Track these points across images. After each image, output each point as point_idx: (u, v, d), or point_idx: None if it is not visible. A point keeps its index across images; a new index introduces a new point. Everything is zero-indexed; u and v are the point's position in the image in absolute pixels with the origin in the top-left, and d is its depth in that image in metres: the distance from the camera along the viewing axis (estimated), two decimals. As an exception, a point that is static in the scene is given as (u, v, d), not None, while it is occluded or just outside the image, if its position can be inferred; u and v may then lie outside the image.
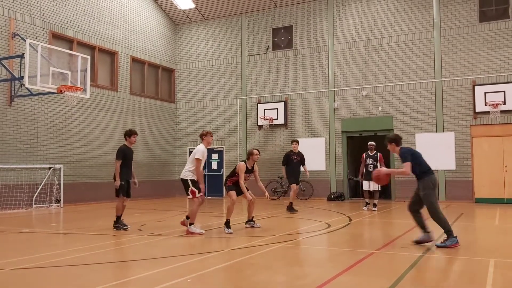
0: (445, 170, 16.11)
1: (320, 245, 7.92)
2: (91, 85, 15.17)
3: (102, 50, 17.56)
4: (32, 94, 14.08)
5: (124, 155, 9.21)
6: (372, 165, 13.07)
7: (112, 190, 9.37)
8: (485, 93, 15.52)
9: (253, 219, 9.50)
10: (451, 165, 16.05)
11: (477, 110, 15.70)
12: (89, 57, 14.58)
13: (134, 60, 19.05)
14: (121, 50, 18.32)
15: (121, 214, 9.24)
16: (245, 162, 9.10)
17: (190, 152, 20.02)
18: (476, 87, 15.75)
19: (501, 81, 15.52)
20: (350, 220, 10.89)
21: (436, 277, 5.38)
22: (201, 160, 8.56)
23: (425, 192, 7.04)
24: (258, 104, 19.29)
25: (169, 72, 21.15)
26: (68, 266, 5.97)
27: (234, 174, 9.10)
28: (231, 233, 8.53)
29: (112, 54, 18.02)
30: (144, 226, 9.78)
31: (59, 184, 15.09)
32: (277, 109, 18.83)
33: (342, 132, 17.88)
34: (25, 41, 13.18)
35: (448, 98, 16.32)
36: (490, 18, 16.01)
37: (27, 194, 14.22)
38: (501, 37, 15.76)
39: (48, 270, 5.77)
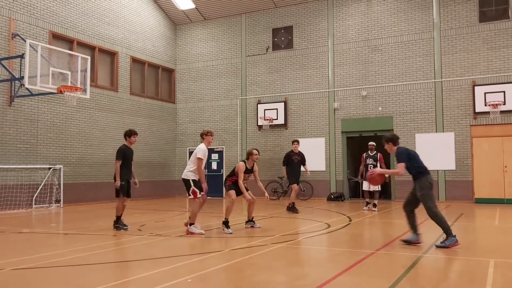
0: (445, 170, 16.12)
1: (320, 245, 7.92)
2: (91, 85, 15.17)
3: (102, 50, 17.57)
4: (32, 94, 14.09)
5: (124, 155, 9.21)
6: (372, 165, 13.08)
7: (112, 190, 9.37)
8: (485, 93, 15.53)
9: (253, 219, 9.50)
10: (451, 165, 16.05)
11: (477, 110, 15.70)
12: (89, 57, 14.59)
13: (134, 60, 19.06)
14: (121, 50, 18.32)
15: (121, 214, 9.24)
16: (245, 162, 9.11)
17: (190, 152, 20.11)
18: (476, 87, 15.76)
19: (501, 81, 15.53)
20: (350, 220, 10.89)
21: (436, 277, 5.38)
22: (202, 159, 8.57)
23: (423, 193, 7.04)
24: (258, 104, 19.30)
25: (169, 72, 21.15)
26: (68, 266, 5.97)
27: (233, 173, 9.10)
28: (230, 233, 8.54)
29: (112, 54, 18.03)
30: (144, 226, 9.78)
31: (59, 184, 15.10)
32: (277, 109, 18.83)
33: (342, 132, 17.89)
34: (25, 41, 13.19)
35: (448, 98, 16.33)
36: (490, 19, 16.01)
37: (27, 194, 14.22)
38: (501, 37, 15.77)
39: (48, 270, 5.77)
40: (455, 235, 6.94)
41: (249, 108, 19.65)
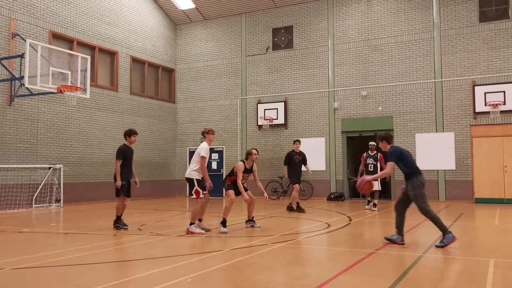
0: (445, 170, 16.12)
1: (320, 245, 7.92)
2: (91, 85, 15.17)
3: (102, 50, 17.56)
4: (32, 94, 14.08)
5: (124, 154, 9.20)
6: (372, 165, 13.10)
7: (112, 190, 9.36)
8: (485, 93, 15.53)
9: (253, 219, 9.50)
10: (451, 165, 16.05)
11: (477, 110, 15.70)
12: (89, 57, 14.59)
13: (134, 60, 19.06)
14: (121, 50, 18.32)
15: (121, 214, 9.24)
16: (244, 162, 9.10)
17: (190, 152, 20.12)
18: (476, 87, 15.76)
19: (501, 81, 15.53)
20: (350, 220, 10.89)
21: (436, 277, 5.38)
22: (206, 158, 8.57)
23: (415, 192, 7.07)
24: (258, 104, 19.30)
25: (169, 72, 21.15)
26: (68, 266, 5.97)
27: (232, 173, 9.10)
28: (226, 232, 8.54)
29: (112, 54, 18.03)
30: (144, 226, 9.78)
31: (59, 184, 15.10)
32: (277, 109, 18.83)
33: (342, 132, 17.89)
34: (25, 41, 13.19)
35: (448, 98, 16.33)
36: (490, 18, 16.01)
37: (27, 194, 14.22)
38: (501, 37, 15.77)
39: (48, 269, 5.77)
40: (450, 231, 6.96)
41: (249, 108, 19.65)
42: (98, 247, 7.32)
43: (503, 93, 15.30)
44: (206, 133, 8.95)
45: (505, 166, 15.32)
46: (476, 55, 16.04)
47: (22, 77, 12.86)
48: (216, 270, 5.69)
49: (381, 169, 12.39)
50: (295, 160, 13.13)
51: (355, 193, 18.16)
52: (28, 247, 7.51)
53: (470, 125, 15.96)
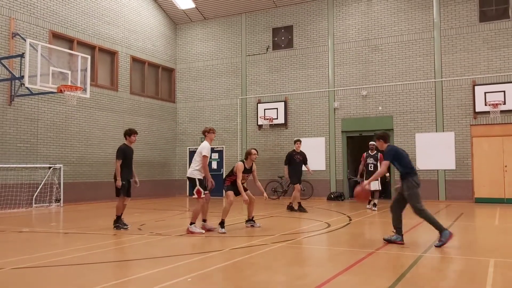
0: (445, 170, 16.12)
1: (320, 245, 7.92)
2: (91, 85, 15.17)
3: (102, 50, 17.56)
4: (32, 94, 14.08)
5: (124, 154, 9.20)
6: (372, 165, 13.10)
7: (112, 190, 9.36)
8: (485, 93, 15.53)
9: (253, 219, 9.50)
10: (451, 165, 16.05)
11: (477, 110, 15.70)
12: (89, 57, 14.59)
13: (134, 59, 19.06)
14: (121, 49, 18.32)
15: (122, 214, 9.23)
16: (243, 162, 9.10)
17: (190, 152, 20.12)
18: (476, 87, 15.76)
19: (501, 81, 15.52)
20: (350, 219, 10.89)
21: (436, 276, 5.38)
22: (207, 157, 8.58)
23: (410, 192, 7.08)
24: (258, 104, 19.30)
25: (169, 71, 21.15)
26: (68, 266, 5.97)
27: (232, 174, 9.09)
28: (224, 233, 8.53)
29: (112, 54, 18.03)
30: (144, 225, 9.78)
31: (59, 183, 15.10)
32: (277, 109, 18.83)
33: (342, 132, 17.89)
34: (25, 40, 13.18)
35: (448, 98, 16.32)
36: (490, 18, 16.01)
37: (27, 194, 14.22)
38: (501, 37, 15.76)
39: (48, 269, 5.77)
40: (446, 228, 6.97)
41: (249, 108, 19.65)
42: (98, 246, 7.32)
43: (503, 92, 15.30)
44: (207, 132, 8.95)
45: (505, 166, 15.31)
46: (476, 55, 16.04)
47: (22, 77, 12.86)
48: (216, 270, 5.69)
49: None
50: (295, 160, 13.13)
51: (355, 192, 18.17)
52: (28, 247, 7.51)
53: (470, 125, 15.96)
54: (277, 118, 18.77)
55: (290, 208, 12.87)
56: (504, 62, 15.65)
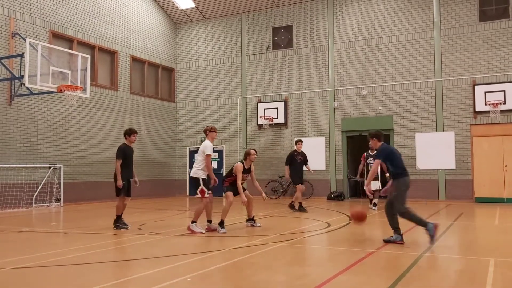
0: (445, 170, 16.12)
1: (320, 245, 7.92)
2: (91, 85, 15.16)
3: (102, 50, 17.56)
4: (32, 94, 14.08)
5: (125, 154, 9.19)
6: (372, 165, 13.07)
7: (112, 189, 9.35)
8: (485, 92, 15.53)
9: (254, 218, 9.49)
10: (451, 165, 16.05)
11: (477, 110, 15.70)
12: (89, 57, 14.58)
13: (134, 59, 19.05)
14: (121, 49, 18.32)
15: (122, 213, 9.23)
16: (243, 163, 9.10)
17: (191, 152, 20.10)
18: (476, 86, 15.76)
19: (501, 81, 15.52)
20: (350, 219, 10.88)
21: (436, 276, 5.38)
22: (211, 155, 8.59)
23: (397, 193, 7.16)
24: (258, 104, 19.29)
25: (169, 71, 21.15)
26: (68, 266, 5.97)
27: (231, 174, 9.09)
28: (224, 232, 8.53)
29: (112, 54, 18.02)
30: (144, 225, 9.78)
31: (59, 183, 15.10)
32: (277, 108, 18.83)
33: (342, 131, 17.89)
34: (25, 40, 13.18)
35: (448, 98, 16.32)
36: (490, 18, 16.00)
37: (27, 193, 14.22)
38: (501, 37, 15.76)
39: (48, 269, 5.77)
40: (427, 221, 7.04)
41: (249, 107, 19.65)
42: (98, 246, 7.32)
43: (503, 92, 15.30)
44: (208, 131, 8.98)
45: (505, 166, 15.31)
46: (476, 55, 16.04)
47: (22, 77, 12.86)
48: (216, 269, 5.69)
49: (382, 169, 12.37)
50: (297, 160, 13.14)
51: (355, 192, 18.20)
52: (28, 246, 7.51)
53: (470, 125, 15.96)
54: (277, 118, 18.77)
55: (292, 206, 12.90)
56: (504, 61, 15.65)
